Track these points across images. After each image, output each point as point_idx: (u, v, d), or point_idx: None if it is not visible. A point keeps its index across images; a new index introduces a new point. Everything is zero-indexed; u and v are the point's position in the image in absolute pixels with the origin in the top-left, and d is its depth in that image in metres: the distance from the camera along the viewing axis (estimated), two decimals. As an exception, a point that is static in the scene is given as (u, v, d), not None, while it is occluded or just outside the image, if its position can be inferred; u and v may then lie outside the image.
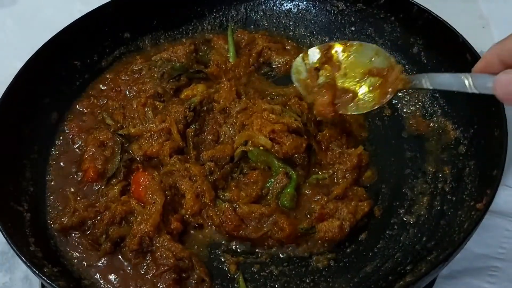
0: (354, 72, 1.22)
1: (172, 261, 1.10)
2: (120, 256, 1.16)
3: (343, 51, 1.25)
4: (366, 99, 1.20)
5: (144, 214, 1.16)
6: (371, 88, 1.19)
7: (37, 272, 1.02)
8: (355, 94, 1.21)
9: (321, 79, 1.26)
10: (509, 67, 0.77)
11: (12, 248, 1.05)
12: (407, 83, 1.12)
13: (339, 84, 1.24)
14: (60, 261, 1.15)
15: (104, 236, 1.17)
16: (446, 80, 1.02)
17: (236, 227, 1.16)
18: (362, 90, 1.21)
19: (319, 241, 1.16)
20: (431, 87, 1.07)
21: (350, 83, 1.23)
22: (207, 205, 1.20)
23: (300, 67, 1.29)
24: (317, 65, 1.27)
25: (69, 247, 1.18)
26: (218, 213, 1.18)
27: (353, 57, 1.23)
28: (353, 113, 1.22)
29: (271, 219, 1.17)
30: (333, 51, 1.26)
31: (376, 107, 1.18)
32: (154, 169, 1.28)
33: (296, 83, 1.29)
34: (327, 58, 1.26)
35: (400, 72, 1.15)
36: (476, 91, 0.92)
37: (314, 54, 1.28)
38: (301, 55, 1.29)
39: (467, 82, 0.92)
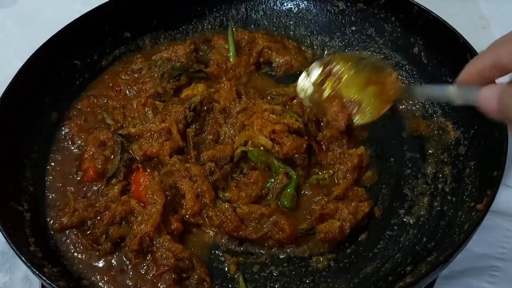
0: (355, 82, 1.23)
1: (172, 262, 1.10)
2: (120, 256, 1.15)
3: (342, 62, 1.25)
4: (370, 108, 1.21)
5: (144, 214, 1.16)
6: (372, 98, 1.20)
7: (37, 272, 1.02)
8: (360, 103, 1.22)
9: (327, 92, 1.27)
10: (488, 81, 0.80)
11: (12, 248, 1.05)
12: (402, 92, 1.14)
13: (344, 95, 1.25)
14: (60, 261, 1.15)
15: (104, 236, 1.16)
16: (434, 92, 1.04)
17: (236, 227, 1.16)
18: (366, 100, 1.21)
19: (320, 242, 1.16)
20: (421, 98, 1.08)
21: (354, 94, 1.23)
22: (207, 205, 1.20)
23: (305, 84, 1.29)
24: (321, 79, 1.28)
25: (69, 247, 1.17)
26: (218, 213, 1.18)
27: (352, 67, 1.24)
28: (359, 123, 1.23)
29: (271, 219, 1.16)
30: (333, 64, 1.26)
31: (378, 116, 1.19)
32: (154, 169, 1.27)
33: (306, 101, 1.30)
34: (328, 71, 1.26)
35: (396, 79, 1.16)
36: (461, 103, 0.92)
37: (316, 69, 1.28)
38: (304, 72, 1.30)
39: (453, 94, 0.93)
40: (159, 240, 1.13)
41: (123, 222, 1.18)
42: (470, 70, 0.84)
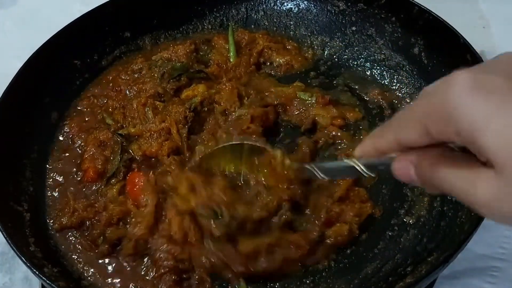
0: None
1: (172, 263, 1.09)
2: (119, 258, 1.15)
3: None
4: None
5: (137, 216, 1.15)
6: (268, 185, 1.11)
7: (37, 272, 1.02)
8: None
9: None
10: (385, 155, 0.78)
11: (12, 248, 1.04)
12: (297, 171, 1.06)
13: None
14: (60, 261, 1.14)
15: (101, 237, 1.16)
16: (336, 168, 0.96)
17: (246, 267, 1.07)
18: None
19: (332, 247, 1.13)
20: (324, 177, 0.99)
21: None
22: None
23: None
24: None
25: (69, 247, 1.17)
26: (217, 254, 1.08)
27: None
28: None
29: (284, 243, 1.09)
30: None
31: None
32: (152, 169, 1.26)
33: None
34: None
35: (283, 159, 1.07)
36: (372, 175, 0.86)
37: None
38: None
39: (359, 168, 0.85)
40: (157, 242, 1.12)
41: (121, 223, 1.18)
42: (368, 145, 0.80)
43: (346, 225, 1.13)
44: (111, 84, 1.48)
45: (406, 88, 1.40)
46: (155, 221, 1.14)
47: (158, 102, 1.36)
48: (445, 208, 1.16)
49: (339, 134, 1.31)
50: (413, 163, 0.73)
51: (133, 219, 1.16)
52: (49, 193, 1.27)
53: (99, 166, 1.28)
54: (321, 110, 1.35)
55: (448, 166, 0.68)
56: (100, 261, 1.15)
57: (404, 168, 0.74)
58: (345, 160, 0.89)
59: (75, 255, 1.16)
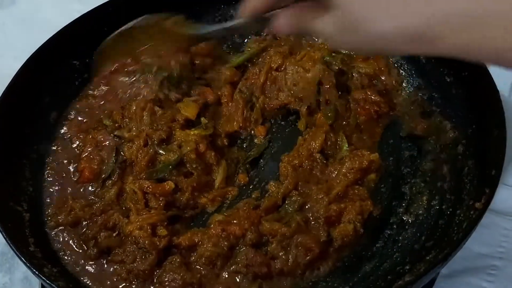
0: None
1: (180, 283, 1.06)
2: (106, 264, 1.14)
3: None
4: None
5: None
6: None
7: (36, 272, 1.02)
8: None
9: None
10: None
11: (12, 248, 1.05)
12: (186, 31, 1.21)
13: None
14: (60, 261, 1.15)
15: (93, 241, 1.14)
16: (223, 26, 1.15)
17: (268, 266, 1.08)
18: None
19: (340, 249, 1.12)
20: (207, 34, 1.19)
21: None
22: None
23: None
24: None
25: (68, 247, 1.17)
26: (239, 259, 1.09)
27: None
28: None
29: (293, 242, 1.09)
30: None
31: None
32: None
33: None
34: None
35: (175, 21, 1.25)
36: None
37: None
38: None
39: (244, 26, 1.01)
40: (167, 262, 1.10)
41: (117, 231, 1.16)
42: (251, 4, 0.96)
43: (350, 225, 1.12)
44: (110, 85, 1.47)
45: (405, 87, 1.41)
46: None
47: (157, 108, 1.35)
48: (443, 206, 1.16)
49: None
50: (285, 16, 0.91)
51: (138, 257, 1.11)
52: (48, 193, 1.27)
53: (95, 167, 1.27)
54: None
55: (303, 11, 0.88)
56: (99, 262, 1.14)
57: (284, 17, 0.91)
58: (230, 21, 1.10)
59: (73, 254, 1.16)
